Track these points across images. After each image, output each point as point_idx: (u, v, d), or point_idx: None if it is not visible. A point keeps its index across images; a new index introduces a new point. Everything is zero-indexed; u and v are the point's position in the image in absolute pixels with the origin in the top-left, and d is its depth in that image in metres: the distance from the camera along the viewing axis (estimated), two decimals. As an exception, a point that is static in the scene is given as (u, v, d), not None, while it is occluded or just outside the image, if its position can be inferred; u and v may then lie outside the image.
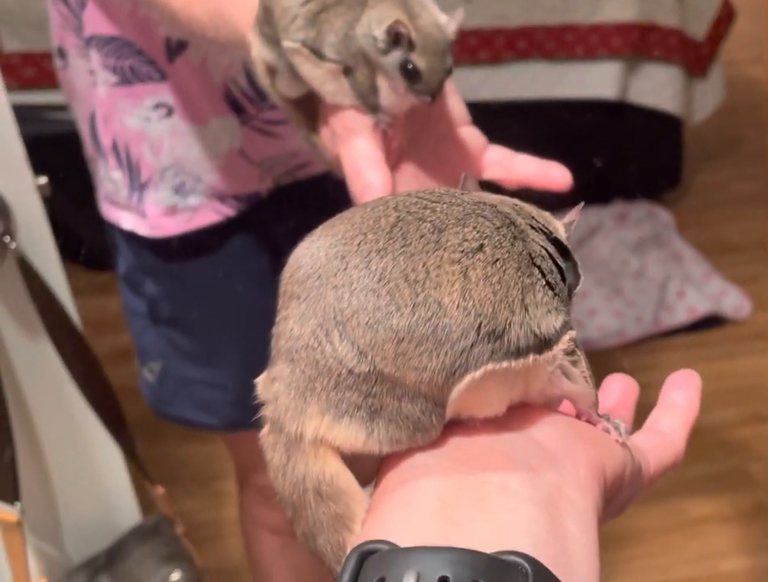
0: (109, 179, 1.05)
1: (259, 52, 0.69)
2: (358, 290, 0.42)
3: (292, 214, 1.04)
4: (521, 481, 0.41)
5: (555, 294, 0.45)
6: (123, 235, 1.08)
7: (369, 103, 0.66)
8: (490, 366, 0.42)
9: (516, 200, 0.49)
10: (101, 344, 2.24)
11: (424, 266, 0.42)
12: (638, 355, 2.23)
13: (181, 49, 0.96)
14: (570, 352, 0.45)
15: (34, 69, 2.28)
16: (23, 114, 1.09)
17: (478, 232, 0.44)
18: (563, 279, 0.47)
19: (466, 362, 0.42)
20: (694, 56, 2.47)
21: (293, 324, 0.44)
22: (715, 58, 2.52)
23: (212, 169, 1.02)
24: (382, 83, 0.66)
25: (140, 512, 1.33)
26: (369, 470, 0.46)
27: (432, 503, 0.40)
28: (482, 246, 0.44)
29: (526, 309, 0.44)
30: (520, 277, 0.44)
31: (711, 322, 2.35)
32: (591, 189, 2.73)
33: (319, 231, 0.45)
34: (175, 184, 1.03)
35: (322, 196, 0.82)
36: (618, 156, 2.47)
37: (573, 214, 0.50)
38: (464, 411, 0.44)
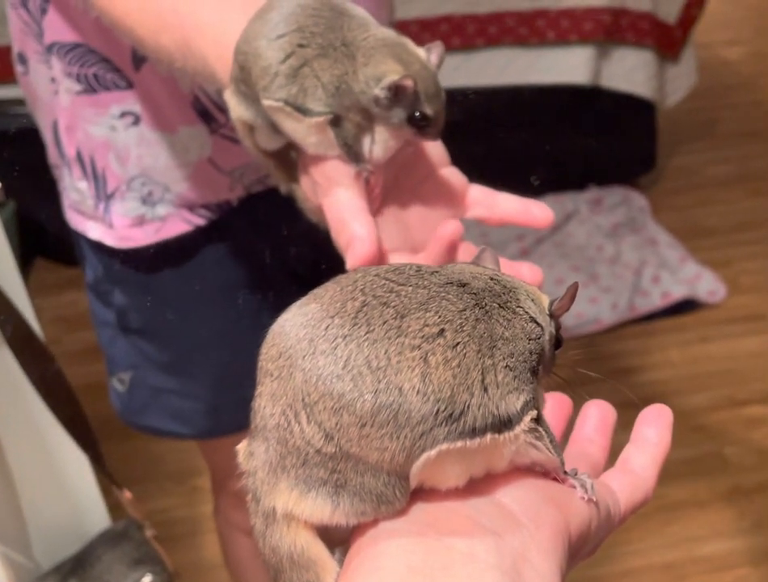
0: (74, 188, 1.02)
1: (237, 112, 0.69)
2: (324, 375, 0.44)
3: (265, 222, 1.02)
4: (486, 547, 0.43)
5: (516, 376, 0.46)
6: (90, 244, 1.05)
7: (353, 152, 0.66)
8: (445, 446, 0.44)
9: (497, 274, 0.50)
10: (74, 340, 2.24)
11: (386, 353, 0.44)
12: (613, 341, 2.24)
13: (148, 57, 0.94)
14: (532, 430, 0.47)
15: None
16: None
17: (439, 316, 0.45)
18: (535, 356, 0.48)
19: (425, 443, 0.44)
20: (666, 40, 2.46)
21: (265, 402, 0.46)
22: (687, 41, 2.51)
23: (181, 178, 1.00)
24: (381, 134, 0.66)
25: (109, 516, 1.32)
26: (343, 534, 0.48)
27: (400, 569, 0.42)
28: (442, 330, 0.45)
29: (485, 390, 0.45)
30: (480, 358, 0.45)
31: (685, 306, 2.36)
32: (566, 175, 2.72)
33: (294, 309, 0.47)
34: (143, 194, 1.00)
35: (294, 203, 0.81)
36: (591, 141, 2.46)
37: (564, 297, 0.50)
38: (425, 483, 0.46)
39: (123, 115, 0.97)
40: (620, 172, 2.65)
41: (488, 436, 0.45)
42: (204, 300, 1.07)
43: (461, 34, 2.36)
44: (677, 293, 2.35)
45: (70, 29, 0.95)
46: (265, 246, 1.03)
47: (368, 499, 0.45)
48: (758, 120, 2.96)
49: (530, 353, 0.47)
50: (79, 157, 1.00)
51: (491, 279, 0.49)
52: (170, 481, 1.99)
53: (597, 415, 0.57)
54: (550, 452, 0.48)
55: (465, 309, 0.46)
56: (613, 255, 2.47)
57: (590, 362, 0.56)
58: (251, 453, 0.47)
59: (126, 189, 1.00)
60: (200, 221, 1.02)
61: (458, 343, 0.45)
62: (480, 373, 0.45)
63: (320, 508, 0.45)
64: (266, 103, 0.65)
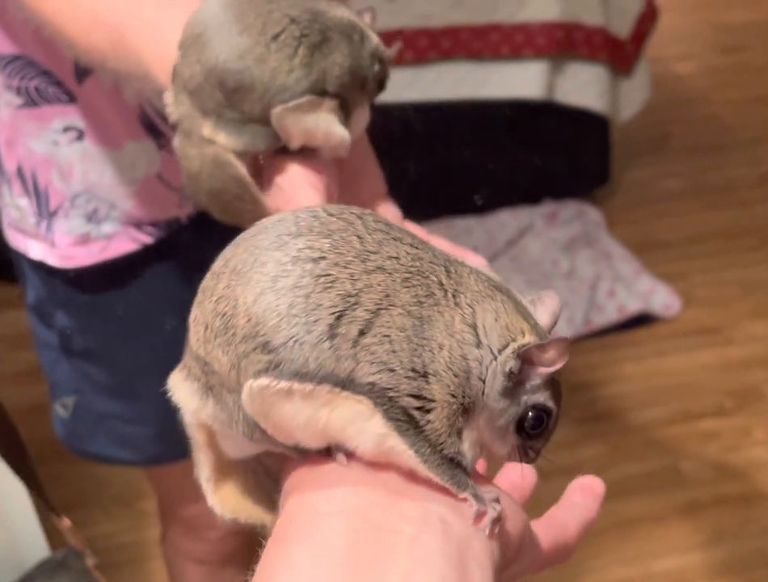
0: (14, 205, 0.99)
1: (228, 144, 0.63)
2: (210, 272, 0.45)
3: (215, 239, 0.99)
4: (432, 533, 0.40)
5: (392, 352, 0.40)
6: (31, 264, 1.02)
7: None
8: (266, 381, 0.41)
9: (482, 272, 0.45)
10: (18, 360, 2.19)
11: (253, 261, 0.42)
12: (569, 356, 2.22)
13: (91, 70, 0.91)
14: (407, 426, 0.41)
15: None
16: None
17: (333, 246, 0.41)
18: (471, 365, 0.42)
19: (246, 367, 0.42)
20: (619, 55, 2.47)
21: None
22: (640, 56, 2.53)
23: (127, 195, 0.96)
24: (364, 111, 0.67)
25: (48, 545, 1.28)
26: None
27: (339, 547, 0.39)
28: (322, 258, 0.41)
29: (332, 338, 0.40)
30: (348, 305, 0.40)
31: (641, 320, 2.35)
32: (521, 189, 2.71)
33: None
34: (87, 211, 0.97)
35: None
36: (546, 155, 2.46)
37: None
38: (267, 423, 0.43)
39: (66, 129, 0.94)
40: (575, 186, 2.65)
41: (325, 387, 0.40)
42: (151, 320, 1.04)
43: (413, 48, 2.36)
44: (632, 306, 2.35)
45: (9, 41, 0.92)
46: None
47: (225, 411, 0.44)
48: (710, 134, 2.99)
49: (444, 349, 0.41)
50: (20, 173, 0.97)
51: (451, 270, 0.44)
52: (116, 504, 1.94)
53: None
54: (426, 467, 0.42)
55: (363, 253, 0.42)
56: (568, 270, 2.47)
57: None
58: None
59: (70, 206, 0.97)
60: (148, 239, 0.99)
61: (328, 276, 0.41)
62: (334, 316, 0.40)
63: (189, 399, 0.45)
64: (284, 107, 0.62)
